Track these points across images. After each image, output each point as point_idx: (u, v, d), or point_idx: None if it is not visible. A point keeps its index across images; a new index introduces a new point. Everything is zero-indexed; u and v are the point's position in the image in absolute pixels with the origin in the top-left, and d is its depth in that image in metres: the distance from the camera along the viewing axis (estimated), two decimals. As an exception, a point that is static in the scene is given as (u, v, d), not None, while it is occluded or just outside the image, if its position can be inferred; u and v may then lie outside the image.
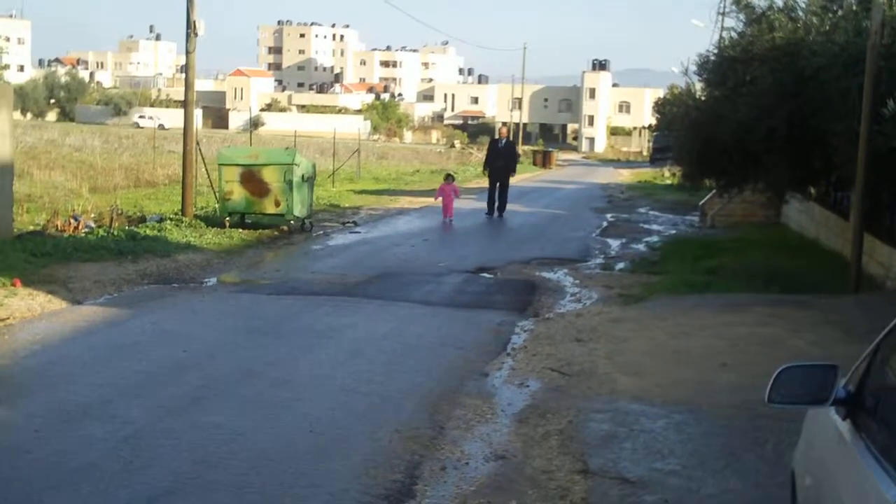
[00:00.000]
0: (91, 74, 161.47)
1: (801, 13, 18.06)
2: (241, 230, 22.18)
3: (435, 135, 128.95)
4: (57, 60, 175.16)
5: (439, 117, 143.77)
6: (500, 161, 29.28)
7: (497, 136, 32.01)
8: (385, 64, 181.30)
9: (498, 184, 28.99)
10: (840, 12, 16.76)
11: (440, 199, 27.30)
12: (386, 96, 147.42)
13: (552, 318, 14.20)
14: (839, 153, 15.65)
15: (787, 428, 7.66)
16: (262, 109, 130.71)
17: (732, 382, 9.92)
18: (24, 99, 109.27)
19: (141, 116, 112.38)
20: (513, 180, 30.43)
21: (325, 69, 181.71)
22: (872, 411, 4.10)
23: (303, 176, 22.84)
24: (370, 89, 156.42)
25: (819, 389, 4.40)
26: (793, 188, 20.90)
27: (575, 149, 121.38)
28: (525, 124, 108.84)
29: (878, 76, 14.16)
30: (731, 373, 10.35)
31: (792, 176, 18.83)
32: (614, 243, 23.97)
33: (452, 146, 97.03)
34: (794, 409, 4.84)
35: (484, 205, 29.35)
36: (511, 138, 35.79)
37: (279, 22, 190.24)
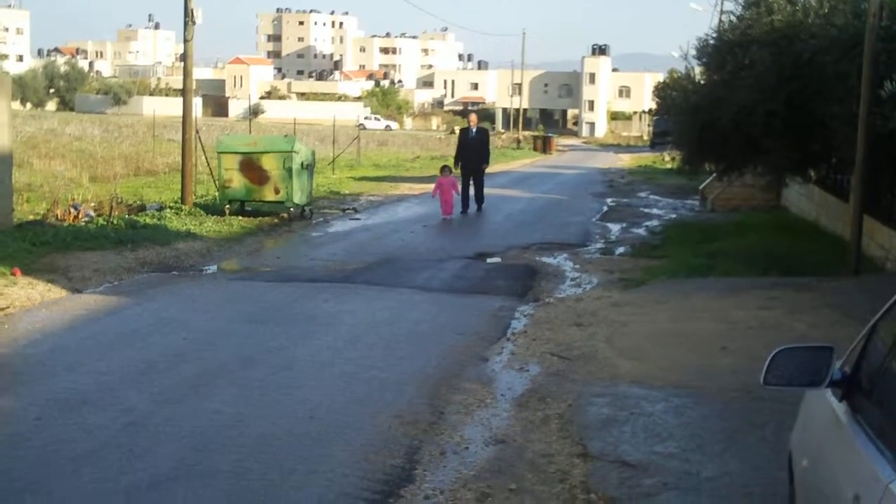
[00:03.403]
0: (90, 64, 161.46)
1: (799, -4, 18.02)
2: (240, 218, 22.18)
3: (435, 121, 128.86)
4: (56, 50, 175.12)
5: (439, 104, 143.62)
6: (473, 152, 26.37)
7: (468, 125, 28.17)
8: (384, 51, 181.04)
9: (472, 177, 26.20)
10: (838, -6, 16.72)
11: (438, 194, 25.23)
12: (385, 83, 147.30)
13: (552, 302, 14.20)
14: (838, 136, 15.64)
15: (786, 410, 7.63)
16: (262, 97, 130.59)
17: (732, 365, 9.93)
18: (23, 89, 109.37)
19: (367, 118, 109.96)
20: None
21: (324, 56, 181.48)
22: (868, 393, 4.10)
23: (302, 163, 22.82)
24: (370, 76, 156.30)
25: (815, 371, 4.40)
26: (792, 171, 20.86)
27: (575, 134, 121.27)
28: (525, 110, 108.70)
29: (877, 58, 14.14)
30: (730, 356, 10.36)
31: (791, 159, 18.81)
32: (614, 228, 23.96)
33: (452, 132, 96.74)
34: (790, 391, 4.84)
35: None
36: (483, 126, 31.05)
37: (278, 9, 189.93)
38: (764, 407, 8.31)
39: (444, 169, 26.12)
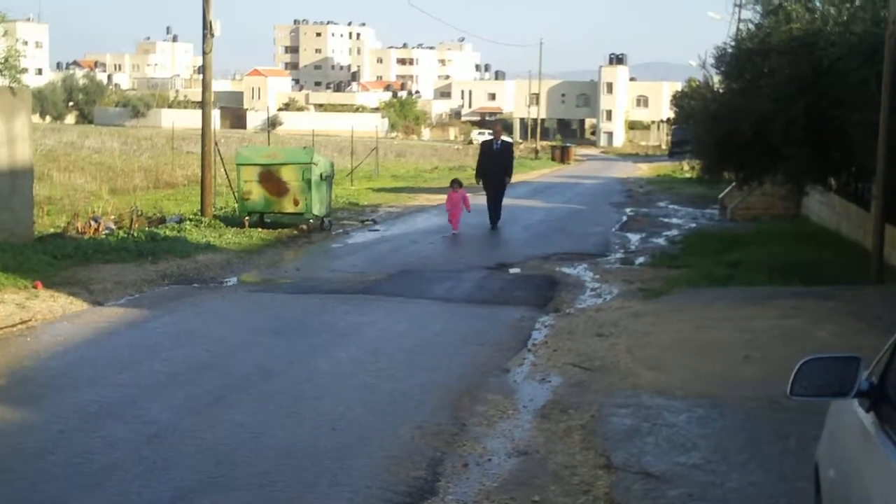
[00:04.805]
0: (109, 77, 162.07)
1: (818, 4, 18.02)
2: (260, 230, 22.21)
3: (453, 132, 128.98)
4: (75, 63, 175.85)
5: (457, 114, 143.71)
6: (497, 165, 25.24)
7: (492, 137, 26.94)
8: (402, 62, 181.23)
9: (496, 192, 25.19)
10: (857, 2, 16.71)
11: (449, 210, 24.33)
12: (403, 94, 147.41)
13: (573, 313, 14.17)
14: (859, 144, 15.60)
15: (810, 421, 7.60)
16: (280, 109, 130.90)
17: (755, 375, 9.88)
18: (42, 102, 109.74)
19: (480, 132, 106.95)
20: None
21: (341, 68, 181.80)
22: (896, 403, 4.07)
23: (321, 174, 22.85)
24: (387, 87, 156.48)
25: (842, 382, 4.37)
26: (813, 180, 20.81)
27: (593, 143, 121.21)
28: (543, 120, 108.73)
29: (897, 66, 14.09)
30: (753, 366, 10.31)
31: (811, 167, 18.76)
32: (634, 238, 23.91)
33: (470, 143, 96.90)
34: (816, 401, 4.82)
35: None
36: (507, 138, 29.23)
37: (295, 21, 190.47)
38: (788, 417, 8.26)
39: (454, 183, 24.99)
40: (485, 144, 27.14)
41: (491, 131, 26.92)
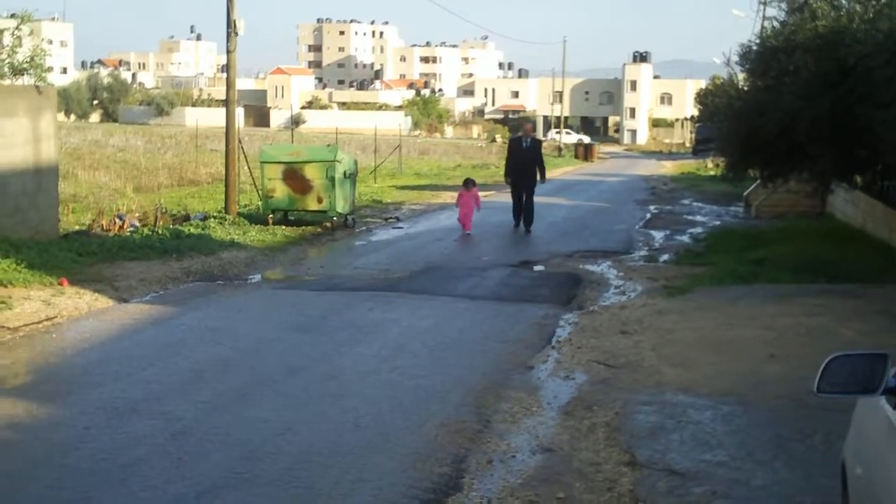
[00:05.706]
0: (133, 75, 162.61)
1: (843, 1, 17.88)
2: (284, 227, 22.25)
3: (476, 129, 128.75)
4: (99, 62, 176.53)
5: (480, 112, 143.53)
6: (525, 165, 24.14)
7: (520, 134, 25.87)
8: (425, 60, 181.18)
9: (524, 192, 24.04)
10: (884, -1, 16.57)
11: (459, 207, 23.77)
12: (426, 92, 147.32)
13: (597, 310, 14.15)
14: (885, 141, 15.48)
15: (836, 418, 7.55)
16: (303, 107, 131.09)
17: (780, 373, 9.85)
18: (67, 101, 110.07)
19: (557, 132, 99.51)
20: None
21: (365, 66, 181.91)
22: (924, 400, 4.05)
23: (345, 172, 22.88)
24: (410, 85, 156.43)
25: (869, 378, 4.36)
26: (838, 177, 20.68)
27: (617, 141, 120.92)
28: (566, 118, 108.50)
29: (924, 63, 13.99)
30: (778, 363, 10.27)
31: (837, 165, 18.64)
32: (658, 235, 23.86)
33: (493, 141, 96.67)
34: (843, 398, 4.80)
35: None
36: (537, 136, 27.68)
37: (319, 20, 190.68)
38: (813, 415, 8.22)
39: (467, 182, 24.39)
40: (513, 141, 26.54)
41: (522, 135, 25.67)
